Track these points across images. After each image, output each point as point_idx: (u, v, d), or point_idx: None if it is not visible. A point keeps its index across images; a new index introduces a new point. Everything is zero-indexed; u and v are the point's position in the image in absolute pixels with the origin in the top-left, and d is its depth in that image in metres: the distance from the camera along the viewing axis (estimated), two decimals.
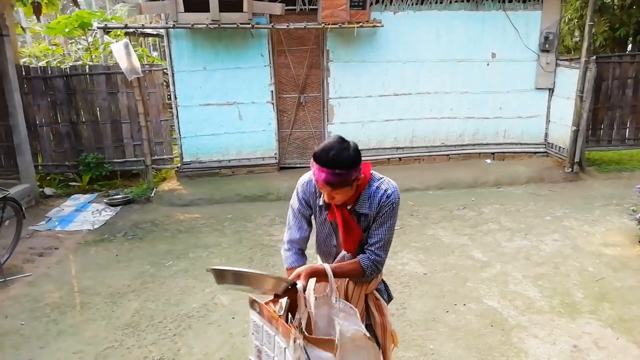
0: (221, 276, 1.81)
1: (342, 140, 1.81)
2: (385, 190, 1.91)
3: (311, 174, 1.96)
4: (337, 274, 1.90)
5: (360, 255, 1.97)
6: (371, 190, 1.92)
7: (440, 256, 4.76)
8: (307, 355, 1.73)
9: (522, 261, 4.60)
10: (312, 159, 1.82)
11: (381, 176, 1.98)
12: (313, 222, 2.15)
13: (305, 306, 1.82)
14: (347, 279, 2.08)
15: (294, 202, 2.11)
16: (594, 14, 7.01)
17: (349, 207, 1.94)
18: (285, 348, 1.77)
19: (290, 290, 1.81)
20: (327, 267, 1.88)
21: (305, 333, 1.76)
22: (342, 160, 1.74)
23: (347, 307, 1.92)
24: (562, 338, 3.35)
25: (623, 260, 4.53)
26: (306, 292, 1.82)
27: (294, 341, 1.70)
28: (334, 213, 1.96)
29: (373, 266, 1.94)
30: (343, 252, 2.06)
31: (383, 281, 2.25)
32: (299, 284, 1.80)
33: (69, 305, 4.00)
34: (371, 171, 1.95)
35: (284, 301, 1.91)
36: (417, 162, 7.84)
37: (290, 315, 1.86)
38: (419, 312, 3.73)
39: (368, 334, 1.92)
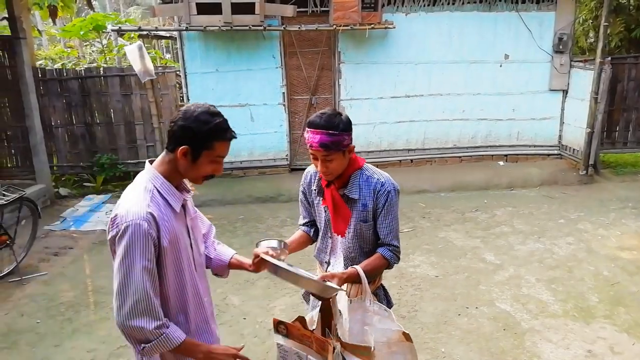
0: (273, 269, 1.83)
1: (333, 109, 1.97)
2: (378, 179, 2.00)
3: (311, 167, 2.08)
4: (367, 273, 1.93)
5: (379, 249, 2.04)
6: (362, 177, 2.01)
7: (452, 259, 4.73)
8: None
9: (536, 264, 4.56)
10: (306, 128, 1.92)
11: (374, 168, 2.08)
12: (312, 213, 2.23)
13: (340, 313, 1.81)
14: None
15: (299, 192, 2.27)
16: (609, 15, 6.92)
17: (339, 191, 2.03)
18: None
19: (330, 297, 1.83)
20: (359, 268, 1.91)
21: (342, 340, 1.76)
22: (335, 123, 1.87)
23: (381, 310, 1.95)
24: (576, 342, 3.31)
25: (639, 264, 4.46)
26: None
27: (333, 350, 1.71)
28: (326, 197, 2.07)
29: (394, 255, 2.04)
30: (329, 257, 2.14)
31: (382, 287, 2.22)
32: (343, 289, 1.81)
33: (84, 304, 4.06)
34: (365, 163, 2.06)
35: (315, 314, 1.91)
36: (428, 164, 7.80)
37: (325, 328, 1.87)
38: (431, 314, 3.72)
39: (406, 332, 1.92)
